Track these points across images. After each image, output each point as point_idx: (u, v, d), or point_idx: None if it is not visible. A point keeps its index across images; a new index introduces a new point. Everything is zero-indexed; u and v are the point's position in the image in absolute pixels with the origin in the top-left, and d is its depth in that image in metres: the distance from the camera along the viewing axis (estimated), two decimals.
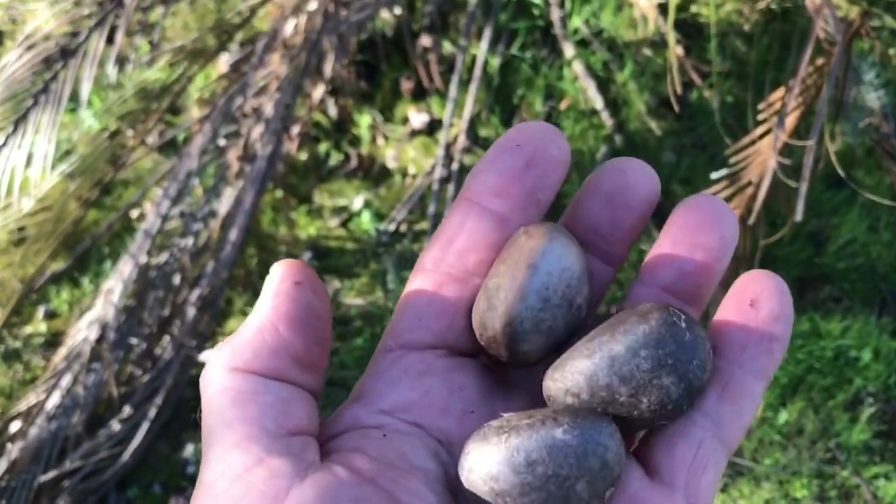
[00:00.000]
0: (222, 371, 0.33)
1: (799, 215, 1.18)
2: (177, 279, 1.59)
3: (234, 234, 1.50)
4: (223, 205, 1.60)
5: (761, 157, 1.39)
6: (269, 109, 1.63)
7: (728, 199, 1.56)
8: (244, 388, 0.32)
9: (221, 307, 1.66)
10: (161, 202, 1.48)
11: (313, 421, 0.34)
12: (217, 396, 0.32)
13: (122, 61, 2.14)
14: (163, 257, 1.64)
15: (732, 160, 1.49)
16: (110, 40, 1.80)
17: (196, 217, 1.61)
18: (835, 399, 1.58)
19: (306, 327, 0.34)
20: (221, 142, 1.67)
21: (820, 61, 1.31)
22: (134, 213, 1.83)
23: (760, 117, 1.39)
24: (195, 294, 1.54)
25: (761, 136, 1.39)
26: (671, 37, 1.79)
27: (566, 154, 0.36)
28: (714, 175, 1.54)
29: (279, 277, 0.35)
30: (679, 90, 2.05)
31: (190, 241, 1.61)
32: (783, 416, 1.60)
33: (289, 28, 1.76)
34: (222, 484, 0.30)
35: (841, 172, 1.21)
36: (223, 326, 1.76)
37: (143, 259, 1.52)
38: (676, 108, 1.75)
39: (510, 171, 0.35)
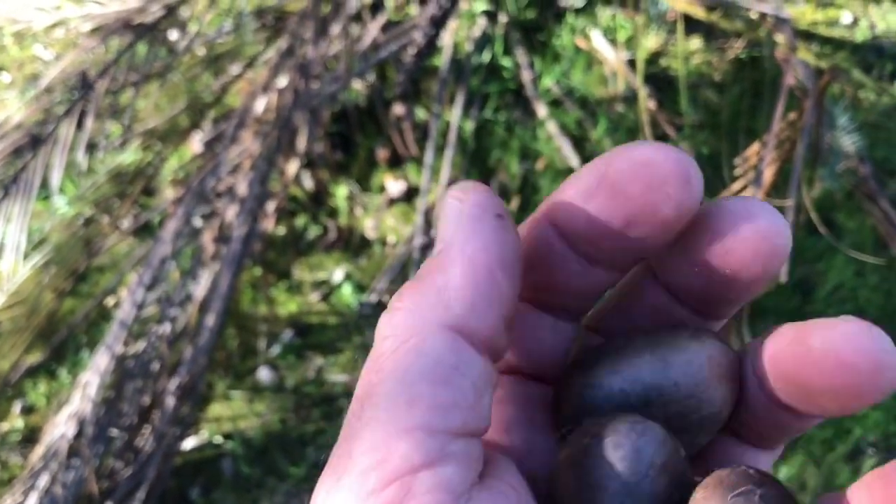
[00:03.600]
0: (426, 322, 0.25)
1: (783, 276, 1.16)
2: (155, 367, 1.55)
3: (211, 320, 1.47)
4: (200, 288, 1.57)
5: None
6: (242, 188, 1.61)
7: None
8: (445, 357, 0.25)
9: (202, 392, 1.62)
10: (135, 290, 1.44)
11: (489, 418, 0.27)
12: (407, 356, 0.25)
13: (93, 146, 2.13)
14: (140, 345, 1.60)
15: None
16: (81, 125, 1.79)
17: (172, 302, 1.57)
18: (835, 451, 1.54)
19: (516, 277, 0.27)
20: (198, 222, 1.65)
21: (792, 115, 1.31)
22: (110, 301, 1.79)
23: (737, 172, 1.39)
24: (174, 382, 1.50)
25: (740, 191, 1.38)
26: (641, 92, 1.80)
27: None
28: None
29: (477, 208, 0.27)
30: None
31: (167, 327, 1.57)
32: (784, 471, 1.56)
33: (260, 105, 1.75)
34: (373, 479, 0.24)
35: (821, 228, 1.20)
36: (205, 412, 1.72)
37: (120, 349, 1.48)
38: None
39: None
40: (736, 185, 1.36)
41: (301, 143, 1.77)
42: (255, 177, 1.58)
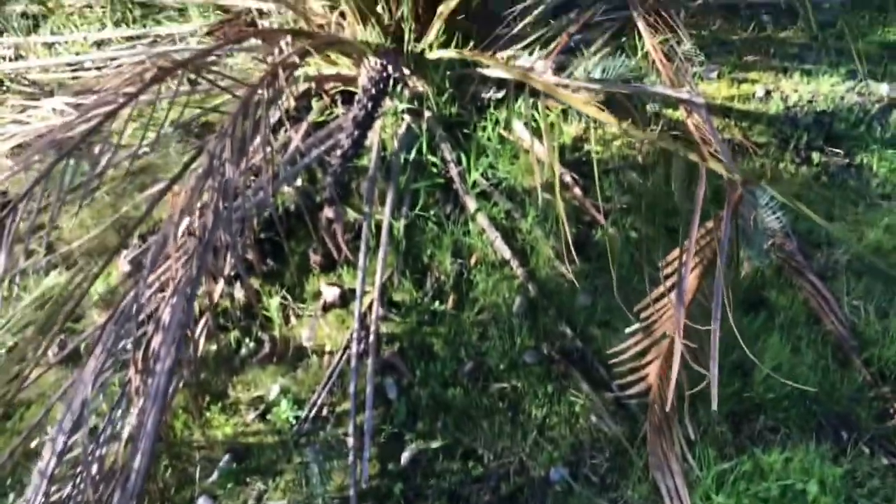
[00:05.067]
0: None
1: (714, 404, 1.15)
2: None
3: (139, 461, 1.40)
4: (126, 426, 1.51)
5: (671, 310, 1.38)
6: (166, 316, 1.56)
7: (644, 353, 1.54)
8: None
9: None
10: (56, 438, 1.38)
11: None
12: None
13: (15, 273, 2.06)
14: (66, 490, 1.52)
15: (644, 315, 1.48)
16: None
17: (98, 442, 1.51)
18: None
19: None
20: (123, 353, 1.60)
21: (709, 224, 1.32)
22: (33, 443, 1.71)
23: (664, 273, 1.39)
24: None
25: (670, 290, 1.38)
26: (557, 181, 1.79)
27: None
28: (628, 329, 1.53)
29: None
30: (583, 232, 2.07)
31: (94, 468, 1.50)
32: None
33: (182, 225, 1.72)
34: None
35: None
36: None
37: (41, 500, 1.41)
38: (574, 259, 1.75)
39: None
40: (664, 285, 1.36)
41: (227, 259, 1.73)
42: (179, 302, 1.54)
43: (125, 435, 1.52)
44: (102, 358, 1.51)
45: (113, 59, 2.50)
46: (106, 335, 1.52)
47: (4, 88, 2.56)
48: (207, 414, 1.80)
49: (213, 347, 1.90)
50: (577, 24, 2.16)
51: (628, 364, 1.58)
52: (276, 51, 1.91)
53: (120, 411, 1.60)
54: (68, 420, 1.44)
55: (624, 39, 2.28)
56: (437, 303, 1.91)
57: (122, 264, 2.05)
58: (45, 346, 1.84)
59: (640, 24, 2.06)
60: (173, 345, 1.50)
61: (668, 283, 1.39)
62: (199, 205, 1.68)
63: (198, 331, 1.90)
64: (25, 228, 2.00)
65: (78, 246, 2.11)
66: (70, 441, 1.48)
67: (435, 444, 1.72)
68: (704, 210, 2.09)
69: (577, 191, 2.09)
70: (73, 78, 2.57)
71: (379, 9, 2.24)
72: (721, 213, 1.29)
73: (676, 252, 1.38)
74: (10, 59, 2.67)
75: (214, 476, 1.71)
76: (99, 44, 2.66)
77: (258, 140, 1.79)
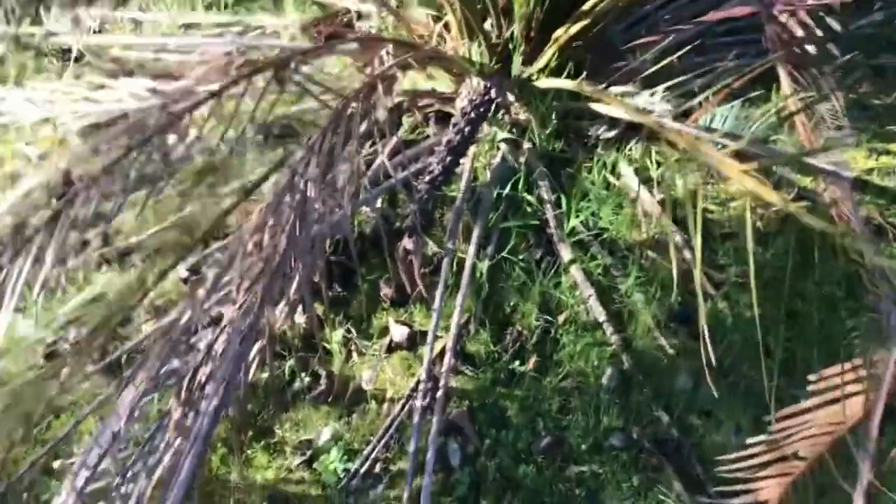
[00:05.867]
0: None
1: None
2: None
3: None
4: (160, 465, 1.33)
5: (813, 430, 1.15)
6: (219, 346, 1.38)
7: (764, 465, 1.31)
8: None
9: None
10: (79, 473, 1.21)
11: None
12: None
13: (64, 262, 1.92)
14: None
15: (774, 427, 1.25)
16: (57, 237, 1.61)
17: (126, 477, 1.34)
18: None
19: None
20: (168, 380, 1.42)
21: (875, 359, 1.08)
22: (56, 463, 1.55)
23: (811, 388, 1.16)
24: None
25: (817, 407, 1.15)
26: (672, 241, 1.57)
27: None
28: (751, 440, 1.29)
29: None
30: (690, 302, 1.84)
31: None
32: None
33: (251, 243, 1.54)
34: None
35: None
36: None
37: None
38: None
39: None
40: (811, 402, 1.13)
41: (293, 286, 1.55)
42: (234, 335, 1.36)
43: (157, 473, 1.35)
44: (143, 386, 1.34)
45: (199, 45, 2.36)
46: (151, 358, 1.35)
47: (84, 62, 2.43)
48: (249, 452, 1.62)
49: (265, 376, 1.72)
50: (730, 76, 1.91)
51: (736, 472, 1.35)
52: (377, 61, 1.73)
53: (155, 443, 1.43)
54: (94, 455, 1.27)
55: (755, 92, 2.05)
56: (516, 362, 1.70)
57: (181, 271, 1.89)
58: (89, 352, 1.69)
59: (783, 77, 1.83)
60: (223, 384, 1.32)
61: (814, 401, 1.16)
62: (271, 222, 1.50)
63: (251, 355, 1.73)
64: (85, 217, 1.87)
65: (137, 242, 1.95)
66: (94, 473, 1.31)
67: None
68: (830, 295, 1.85)
69: (688, 254, 1.86)
70: (155, 60, 2.44)
71: (487, 25, 2.04)
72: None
73: (834, 369, 1.15)
74: (95, 32, 2.55)
75: None
76: (187, 26, 2.53)
77: (342, 156, 1.61)
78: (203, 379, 1.40)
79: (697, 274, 1.46)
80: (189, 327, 1.45)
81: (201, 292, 1.40)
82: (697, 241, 1.52)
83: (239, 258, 1.53)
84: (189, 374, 1.40)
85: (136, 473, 1.37)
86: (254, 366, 1.75)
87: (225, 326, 1.37)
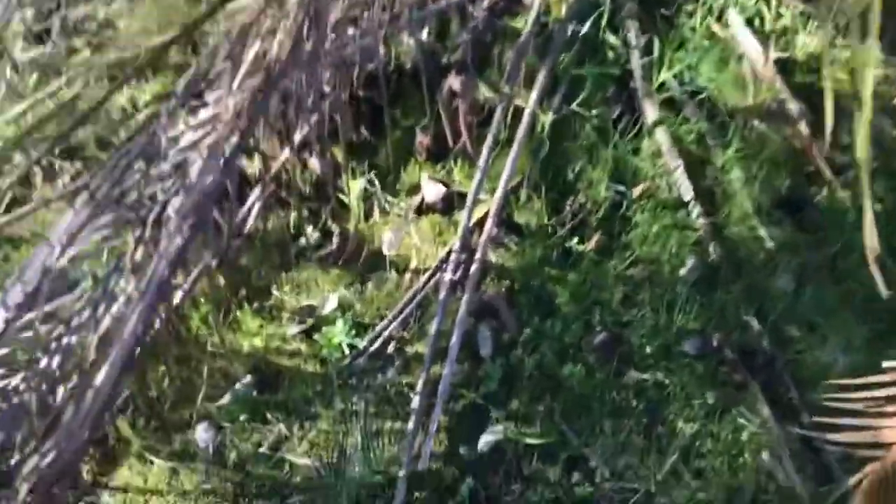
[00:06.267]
0: None
1: None
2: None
3: (102, 377, 0.96)
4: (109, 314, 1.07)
5: None
6: (193, 174, 1.08)
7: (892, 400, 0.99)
8: None
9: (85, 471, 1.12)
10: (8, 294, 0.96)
11: None
12: None
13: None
14: (13, 381, 1.12)
15: None
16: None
17: (68, 327, 1.09)
18: None
19: None
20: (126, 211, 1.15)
21: None
22: None
23: None
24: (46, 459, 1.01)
25: None
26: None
27: None
28: (886, 364, 0.97)
29: None
30: (800, 187, 1.49)
31: (55, 359, 1.08)
32: None
33: (251, 53, 1.21)
34: None
35: None
36: (108, 475, 1.21)
37: None
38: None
39: None
40: None
41: (305, 117, 1.23)
42: (212, 157, 1.05)
43: (103, 326, 1.07)
44: (85, 212, 1.04)
45: None
46: (98, 178, 1.06)
47: None
48: (238, 313, 1.35)
49: (266, 226, 1.43)
50: None
51: (846, 402, 1.04)
52: None
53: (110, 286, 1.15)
54: (17, 293, 1.00)
55: None
56: (574, 239, 1.48)
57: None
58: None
59: None
60: (190, 220, 1.02)
61: None
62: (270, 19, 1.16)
63: (250, 200, 1.43)
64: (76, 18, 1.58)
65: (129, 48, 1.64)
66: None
67: (531, 437, 1.27)
68: None
69: (804, 128, 1.49)
70: None
71: None
72: None
73: None
74: None
75: (226, 399, 1.29)
76: None
77: None
78: (169, 214, 1.10)
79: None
80: (159, 151, 1.15)
81: (172, 103, 1.08)
82: (829, 106, 1.15)
83: (228, 68, 1.22)
84: (151, 207, 1.10)
85: (83, 323, 1.09)
86: (253, 214, 1.46)
87: (200, 142, 1.05)
